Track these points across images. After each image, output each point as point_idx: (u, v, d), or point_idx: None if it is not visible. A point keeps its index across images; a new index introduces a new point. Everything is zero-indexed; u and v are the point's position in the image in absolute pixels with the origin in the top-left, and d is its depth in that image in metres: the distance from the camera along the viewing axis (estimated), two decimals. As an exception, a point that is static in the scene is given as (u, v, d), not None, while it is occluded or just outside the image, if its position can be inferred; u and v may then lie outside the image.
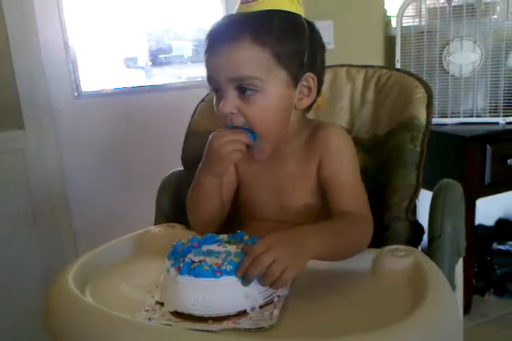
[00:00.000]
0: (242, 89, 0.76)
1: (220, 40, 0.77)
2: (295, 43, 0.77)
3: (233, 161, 0.82)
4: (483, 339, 1.70)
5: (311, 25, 0.80)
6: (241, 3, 0.79)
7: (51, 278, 0.72)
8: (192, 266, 0.63)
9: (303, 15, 0.80)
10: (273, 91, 0.77)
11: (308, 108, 0.86)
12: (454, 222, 0.80)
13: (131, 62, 1.87)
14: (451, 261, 0.78)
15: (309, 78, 0.80)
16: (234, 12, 0.80)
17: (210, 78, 0.79)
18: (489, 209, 2.23)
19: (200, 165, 0.83)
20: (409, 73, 0.97)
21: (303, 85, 0.80)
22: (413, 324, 0.55)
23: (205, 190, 0.84)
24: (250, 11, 0.77)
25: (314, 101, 0.84)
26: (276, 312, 0.62)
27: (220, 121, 0.80)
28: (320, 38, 0.82)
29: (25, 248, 1.61)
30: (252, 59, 0.75)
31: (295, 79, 0.78)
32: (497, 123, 1.83)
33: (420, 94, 0.91)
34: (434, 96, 1.78)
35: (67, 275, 0.70)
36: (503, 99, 1.83)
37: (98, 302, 0.65)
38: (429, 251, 0.78)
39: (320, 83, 0.84)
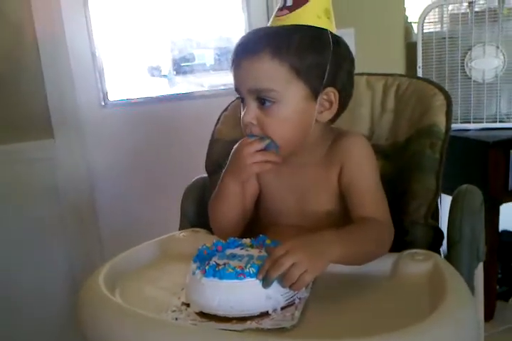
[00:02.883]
0: (262, 100, 0.80)
1: (243, 53, 0.81)
2: (315, 58, 0.79)
3: (256, 172, 0.85)
4: (507, 346, 1.69)
5: (336, 40, 0.81)
6: (275, 16, 0.83)
7: (78, 283, 0.75)
8: (217, 269, 0.66)
9: (331, 30, 0.82)
10: (291, 103, 0.80)
11: (333, 119, 0.87)
12: (472, 226, 0.81)
13: (155, 71, 1.91)
14: (471, 266, 0.79)
15: (330, 92, 0.82)
16: (268, 24, 0.84)
17: (236, 88, 0.84)
18: (514, 214, 2.20)
19: (224, 169, 0.86)
20: (428, 81, 0.98)
21: (323, 99, 0.82)
22: (430, 326, 0.56)
23: (227, 194, 0.86)
24: (280, 24, 0.80)
25: (340, 113, 0.86)
26: (297, 313, 0.64)
27: (242, 128, 0.84)
28: (346, 53, 0.84)
29: (53, 254, 1.65)
30: (270, 72, 0.78)
31: (315, 93, 0.80)
32: (520, 128, 1.82)
33: (439, 101, 0.92)
34: (456, 102, 1.80)
35: (98, 277, 0.74)
36: (527, 105, 1.82)
37: (127, 303, 0.68)
38: (448, 256, 0.79)
39: (348, 97, 0.86)
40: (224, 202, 0.87)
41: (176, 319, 0.65)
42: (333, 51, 0.79)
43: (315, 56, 0.79)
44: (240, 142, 0.84)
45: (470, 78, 1.85)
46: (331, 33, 0.81)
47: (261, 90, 0.79)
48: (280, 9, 0.82)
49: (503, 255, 2.00)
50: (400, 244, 0.82)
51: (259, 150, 0.81)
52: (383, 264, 0.74)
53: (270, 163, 0.81)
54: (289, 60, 0.78)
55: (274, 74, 0.78)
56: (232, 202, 0.87)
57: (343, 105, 0.85)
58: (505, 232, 2.18)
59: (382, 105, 1.01)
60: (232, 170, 0.84)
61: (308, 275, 0.64)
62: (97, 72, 1.70)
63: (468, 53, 1.84)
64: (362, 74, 1.04)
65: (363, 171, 0.83)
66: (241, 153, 0.81)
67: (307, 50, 0.78)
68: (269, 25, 0.84)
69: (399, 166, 0.93)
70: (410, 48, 2.01)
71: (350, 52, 0.85)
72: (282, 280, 0.64)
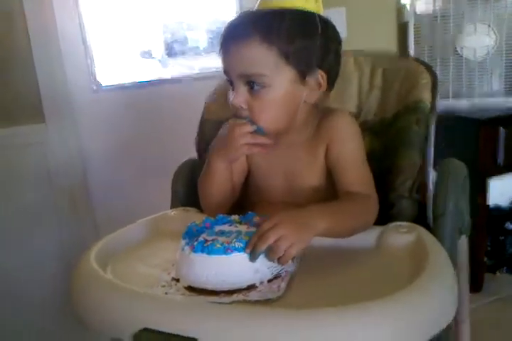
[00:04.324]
0: (251, 84, 0.81)
1: (232, 37, 0.81)
2: (304, 42, 0.79)
3: (246, 153, 0.87)
4: (495, 316, 1.73)
5: (324, 23, 0.81)
6: None
7: (72, 266, 0.76)
8: (205, 245, 0.67)
9: (319, 12, 0.82)
10: (280, 87, 0.81)
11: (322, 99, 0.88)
12: (456, 200, 0.82)
13: (147, 54, 1.91)
14: (453, 238, 0.80)
15: (319, 75, 0.83)
16: (255, 7, 0.84)
17: (225, 71, 0.84)
18: (504, 189, 2.24)
19: (211, 147, 0.88)
20: (415, 59, 0.99)
21: (312, 81, 0.83)
22: (407, 295, 0.58)
23: (215, 173, 0.88)
24: (267, 7, 0.81)
25: (328, 93, 0.87)
26: (283, 285, 0.66)
27: (231, 110, 0.85)
28: (334, 35, 0.84)
29: (47, 238, 1.66)
30: (259, 57, 0.79)
31: (303, 76, 0.81)
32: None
33: (425, 79, 0.93)
34: (448, 80, 1.81)
35: (90, 255, 0.75)
36: (517, 82, 1.83)
37: (118, 279, 0.69)
38: (432, 229, 0.81)
39: (335, 76, 0.87)
40: (212, 180, 0.89)
41: (166, 293, 0.66)
42: (322, 34, 0.80)
43: (304, 40, 0.79)
44: (230, 122, 0.85)
45: (462, 56, 1.86)
46: (319, 15, 0.81)
47: (251, 75, 0.80)
48: None
49: (492, 229, 2.03)
50: (386, 217, 0.83)
51: (250, 133, 0.82)
52: (369, 237, 0.76)
53: (260, 145, 0.83)
54: (277, 44, 0.78)
55: (263, 59, 0.79)
56: (220, 179, 0.88)
57: (330, 85, 0.86)
58: (495, 207, 2.21)
59: (370, 82, 1.02)
60: (221, 149, 0.86)
61: (295, 248, 0.66)
62: (88, 57, 1.70)
63: (460, 32, 1.84)
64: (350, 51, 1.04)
65: (348, 147, 0.84)
66: (232, 134, 0.82)
67: (296, 34, 0.79)
68: (256, 7, 0.84)
69: (386, 142, 0.95)
70: (402, 27, 2.00)
71: (337, 33, 0.85)
72: (268, 253, 0.66)
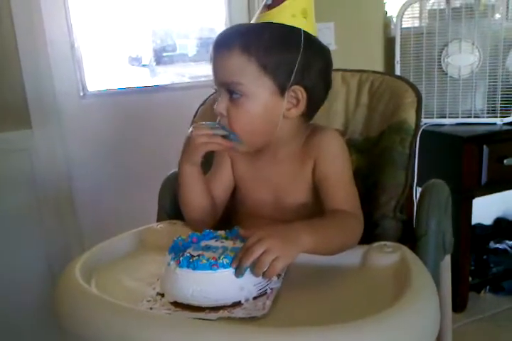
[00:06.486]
0: (231, 92, 0.83)
1: (217, 48, 0.84)
2: (283, 56, 0.81)
3: (204, 151, 0.86)
4: (478, 335, 1.75)
5: (309, 40, 0.83)
6: (258, 13, 0.86)
7: (57, 274, 0.75)
8: (191, 260, 0.67)
9: (308, 30, 0.83)
10: (257, 97, 0.83)
11: (310, 116, 0.90)
12: (438, 220, 0.84)
13: (136, 61, 1.91)
14: (436, 258, 0.82)
15: (297, 90, 0.84)
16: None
17: (213, 81, 0.87)
18: (488, 208, 2.27)
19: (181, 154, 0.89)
20: (400, 78, 1.01)
21: (291, 96, 0.84)
22: (389, 316, 0.58)
23: (184, 177, 0.89)
24: (257, 22, 0.84)
25: (312, 111, 0.89)
26: (268, 302, 0.66)
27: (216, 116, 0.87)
28: (320, 53, 0.85)
29: (32, 245, 1.65)
30: (237, 66, 0.81)
31: (281, 89, 0.83)
32: (495, 123, 1.87)
33: (410, 98, 0.95)
34: (432, 97, 1.84)
35: (74, 268, 0.75)
36: (501, 100, 1.86)
37: (103, 293, 0.69)
38: (415, 249, 0.82)
39: (319, 96, 0.88)
40: (184, 187, 0.90)
41: (151, 308, 0.66)
42: (304, 50, 0.81)
43: (283, 54, 0.81)
44: (192, 126, 0.87)
45: (446, 74, 1.89)
46: (304, 32, 0.82)
47: (230, 83, 0.83)
48: (264, 7, 0.85)
49: (476, 248, 2.06)
50: (371, 236, 0.85)
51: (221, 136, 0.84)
52: (353, 256, 0.77)
53: (220, 145, 0.84)
54: (257, 56, 0.81)
55: (242, 69, 0.81)
56: (191, 185, 0.89)
57: (314, 103, 0.87)
58: (479, 225, 2.24)
59: (357, 100, 1.04)
60: (185, 153, 0.87)
61: (280, 262, 0.66)
62: (75, 63, 1.69)
63: (445, 49, 1.88)
64: (337, 70, 1.06)
65: (335, 165, 0.86)
66: (191, 136, 0.84)
67: (275, 47, 0.81)
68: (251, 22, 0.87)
69: (372, 160, 0.96)
70: (389, 43, 2.04)
71: (324, 53, 0.86)
72: (254, 267, 0.66)
